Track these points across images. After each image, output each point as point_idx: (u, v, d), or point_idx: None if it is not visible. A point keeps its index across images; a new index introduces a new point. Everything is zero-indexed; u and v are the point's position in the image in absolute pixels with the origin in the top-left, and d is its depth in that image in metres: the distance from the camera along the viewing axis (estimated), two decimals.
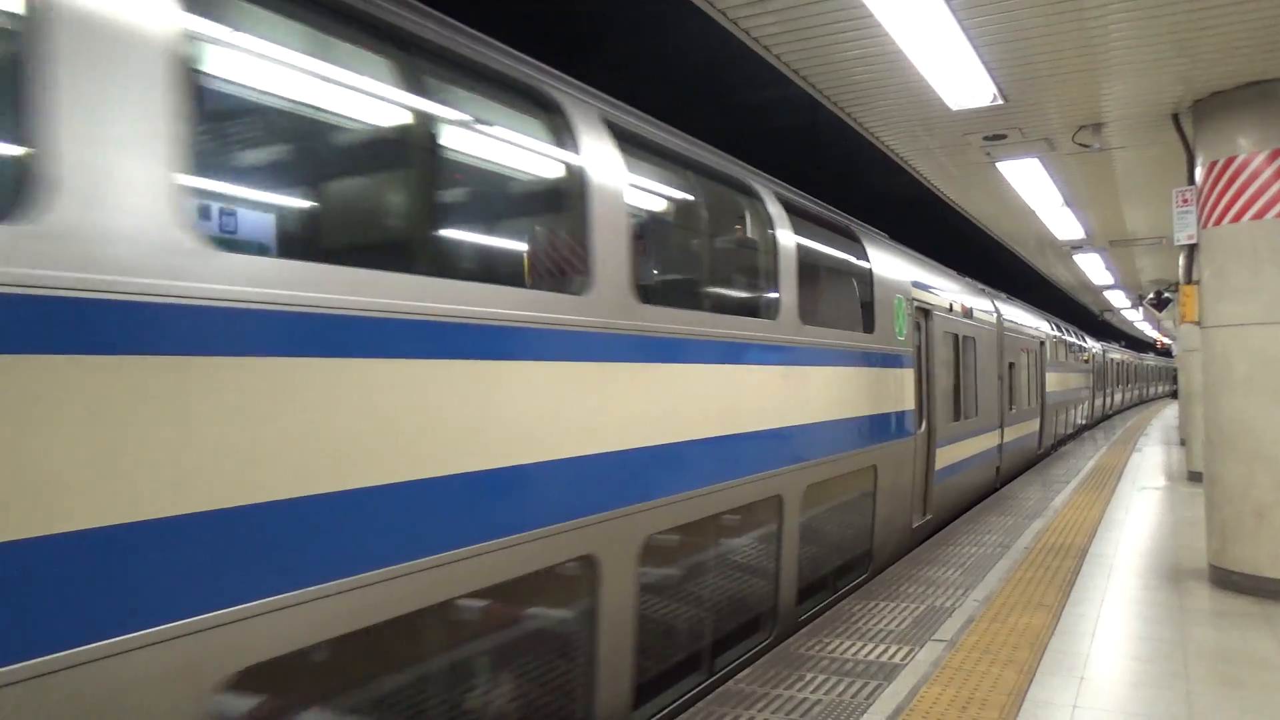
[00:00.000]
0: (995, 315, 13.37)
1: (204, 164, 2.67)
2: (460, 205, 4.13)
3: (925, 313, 9.59)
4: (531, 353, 3.73)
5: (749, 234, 6.34)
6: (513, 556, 3.59)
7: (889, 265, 8.65)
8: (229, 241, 2.91)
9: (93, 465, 2.20)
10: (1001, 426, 13.40)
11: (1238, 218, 6.79)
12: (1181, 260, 7.58)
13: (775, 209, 6.39)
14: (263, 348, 2.63)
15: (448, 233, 3.98)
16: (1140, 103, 7.26)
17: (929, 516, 9.68)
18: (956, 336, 10.89)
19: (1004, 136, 8.18)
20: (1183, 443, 17.17)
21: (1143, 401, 52.52)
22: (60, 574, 2.14)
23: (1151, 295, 18.10)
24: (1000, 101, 7.00)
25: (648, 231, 5.07)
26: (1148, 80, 6.71)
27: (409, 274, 3.20)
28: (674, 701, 5.01)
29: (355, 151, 3.61)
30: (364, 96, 3.49)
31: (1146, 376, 56.69)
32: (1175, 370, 26.55)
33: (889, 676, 5.13)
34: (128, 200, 2.32)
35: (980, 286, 13.40)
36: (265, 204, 3.20)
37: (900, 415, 8.53)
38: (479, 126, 4.14)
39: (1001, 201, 11.33)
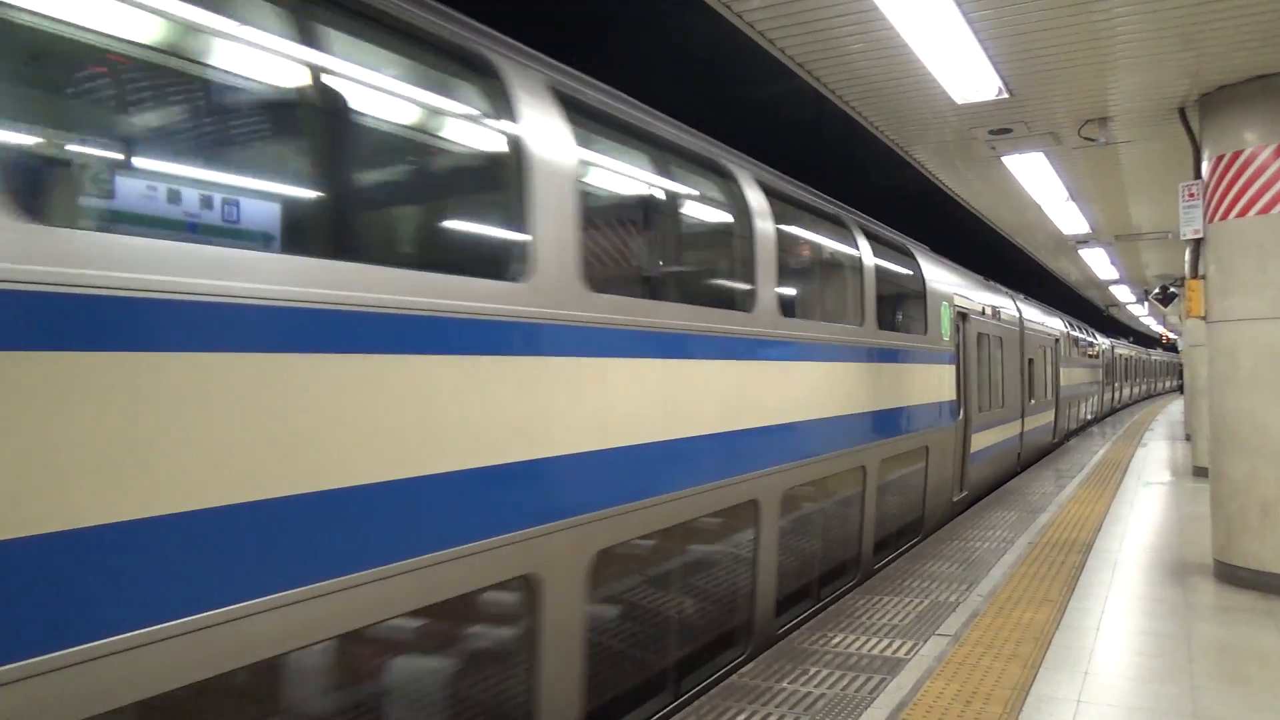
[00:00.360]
0: (1018, 315, 14.57)
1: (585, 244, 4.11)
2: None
3: (963, 316, 10.93)
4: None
5: (851, 259, 7.90)
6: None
7: (937, 277, 10.15)
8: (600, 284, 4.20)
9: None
10: (1022, 417, 14.58)
11: (1244, 212, 6.76)
12: (1187, 255, 7.55)
13: (861, 239, 7.98)
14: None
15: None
16: (1146, 96, 7.22)
17: (965, 493, 11.06)
18: (987, 336, 12.16)
19: (1009, 130, 8.15)
20: (1188, 438, 17.13)
21: (1150, 396, 53.61)
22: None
23: (1157, 290, 18.05)
24: (1005, 95, 6.97)
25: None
26: (1154, 74, 6.68)
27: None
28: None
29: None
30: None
31: (1154, 372, 57.70)
32: (1181, 365, 26.49)
33: (893, 671, 5.13)
34: (560, 269, 3.90)
35: (1004, 289, 14.56)
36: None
37: (947, 405, 9.96)
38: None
39: (1007, 196, 11.30)
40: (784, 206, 6.51)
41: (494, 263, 3.73)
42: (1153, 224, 13.46)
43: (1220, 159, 6.91)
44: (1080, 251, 16.62)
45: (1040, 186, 10.60)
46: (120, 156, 2.67)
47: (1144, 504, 11.01)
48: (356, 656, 3.17)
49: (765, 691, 4.87)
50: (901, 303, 9.17)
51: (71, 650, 2.18)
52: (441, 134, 3.97)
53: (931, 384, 9.50)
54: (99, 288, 2.26)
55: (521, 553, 3.60)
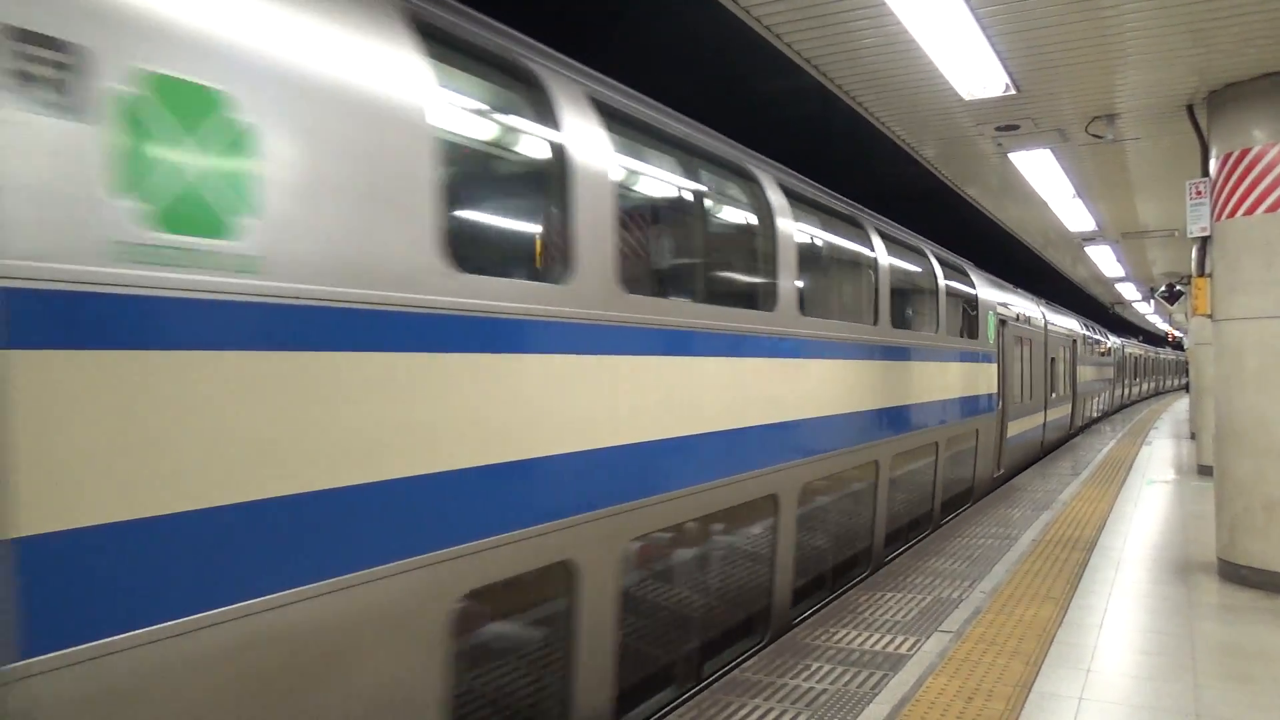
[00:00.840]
0: (1043, 320, 16.42)
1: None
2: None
3: (1003, 322, 12.74)
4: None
5: (929, 280, 9.75)
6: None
7: (985, 290, 12.03)
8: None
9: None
10: (1045, 408, 16.47)
11: (1251, 210, 6.74)
12: (1194, 253, 7.53)
13: (938, 267, 9.89)
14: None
15: None
16: (1154, 94, 7.20)
17: (1002, 470, 12.95)
18: (1019, 339, 14.08)
19: (1016, 127, 8.12)
20: (1193, 436, 17.10)
21: (1158, 393, 54.74)
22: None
23: (1163, 288, 18.00)
24: (1013, 92, 6.96)
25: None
26: (1162, 71, 6.65)
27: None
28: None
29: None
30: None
31: (1162, 370, 58.74)
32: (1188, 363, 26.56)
33: (895, 667, 5.14)
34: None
35: (1032, 296, 16.46)
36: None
37: (990, 396, 11.83)
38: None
39: (1013, 192, 11.27)
40: (894, 245, 8.60)
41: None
42: (1160, 222, 13.42)
43: (1228, 156, 6.89)
44: (1086, 249, 16.57)
45: (1047, 183, 10.57)
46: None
47: (1148, 502, 11.00)
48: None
49: (768, 686, 4.88)
50: (963, 314, 11.10)
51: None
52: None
53: (981, 379, 11.39)
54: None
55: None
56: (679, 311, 4.84)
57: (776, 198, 6.01)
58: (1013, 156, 9.22)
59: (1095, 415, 25.45)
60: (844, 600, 6.62)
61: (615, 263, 4.18)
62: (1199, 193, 7.29)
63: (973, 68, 6.47)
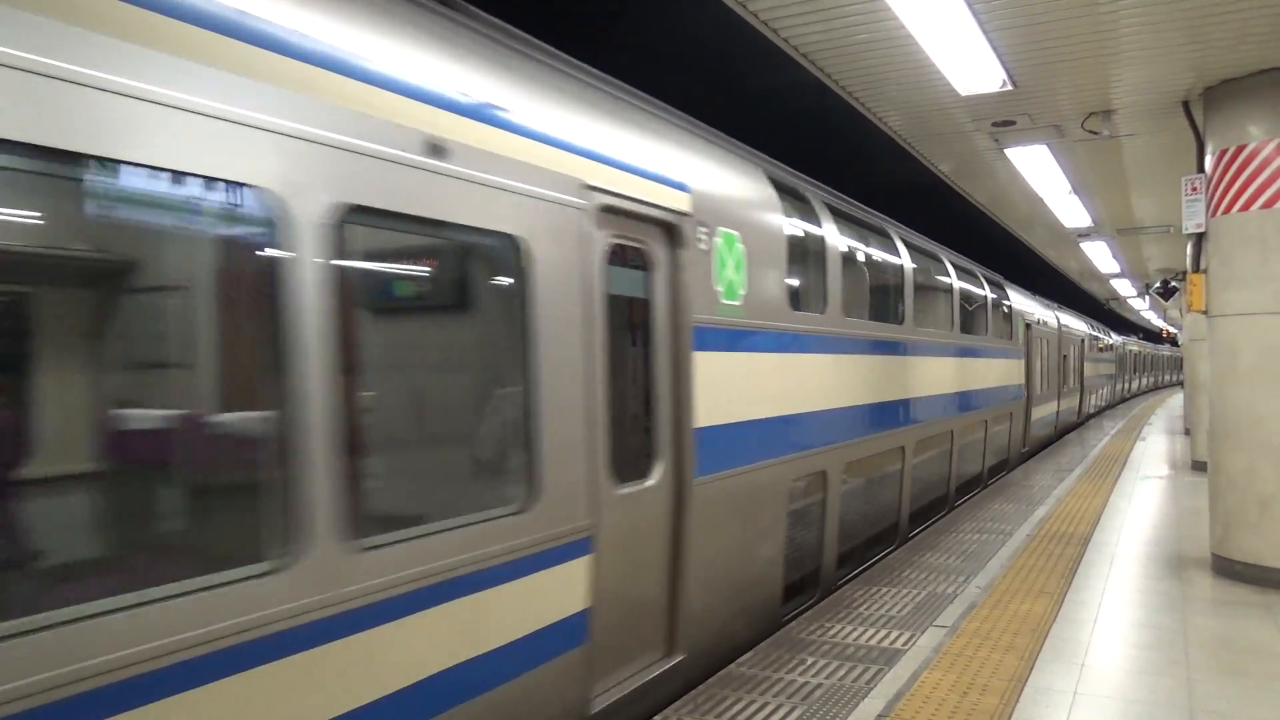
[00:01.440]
0: (1057, 321, 19.36)
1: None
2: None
3: (1028, 325, 15.64)
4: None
5: (983, 297, 12.58)
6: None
7: (1017, 300, 15.02)
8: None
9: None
10: (1059, 398, 19.46)
11: (1247, 206, 6.76)
12: (1189, 249, 7.54)
13: (986, 285, 12.73)
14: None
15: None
16: (1151, 89, 7.21)
17: (1026, 448, 15.97)
18: (1039, 339, 16.71)
19: (1013, 123, 8.13)
20: (1187, 432, 17.15)
21: (1157, 387, 57.68)
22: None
23: (1159, 284, 18.04)
24: (1010, 87, 6.95)
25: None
26: (1159, 67, 6.66)
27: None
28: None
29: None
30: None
31: (1161, 365, 61.46)
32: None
33: (890, 661, 5.15)
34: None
35: (1048, 302, 19.63)
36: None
37: (1020, 386, 14.79)
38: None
39: (1009, 188, 11.28)
40: (962, 273, 11.59)
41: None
42: (1155, 218, 13.44)
43: (1224, 153, 6.90)
44: (1082, 244, 16.60)
45: (1043, 179, 10.58)
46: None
47: (1142, 498, 11.04)
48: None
49: (763, 681, 4.89)
50: (1005, 321, 13.96)
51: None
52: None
53: (1014, 373, 14.29)
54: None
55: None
56: (875, 329, 8.10)
57: (911, 253, 9.35)
58: (1009, 152, 9.22)
59: (1100, 405, 28.91)
60: (839, 595, 6.64)
61: (840, 300, 7.12)
62: (1194, 189, 7.30)
63: (969, 63, 6.46)
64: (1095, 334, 27.24)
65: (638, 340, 4.79)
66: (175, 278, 2.84)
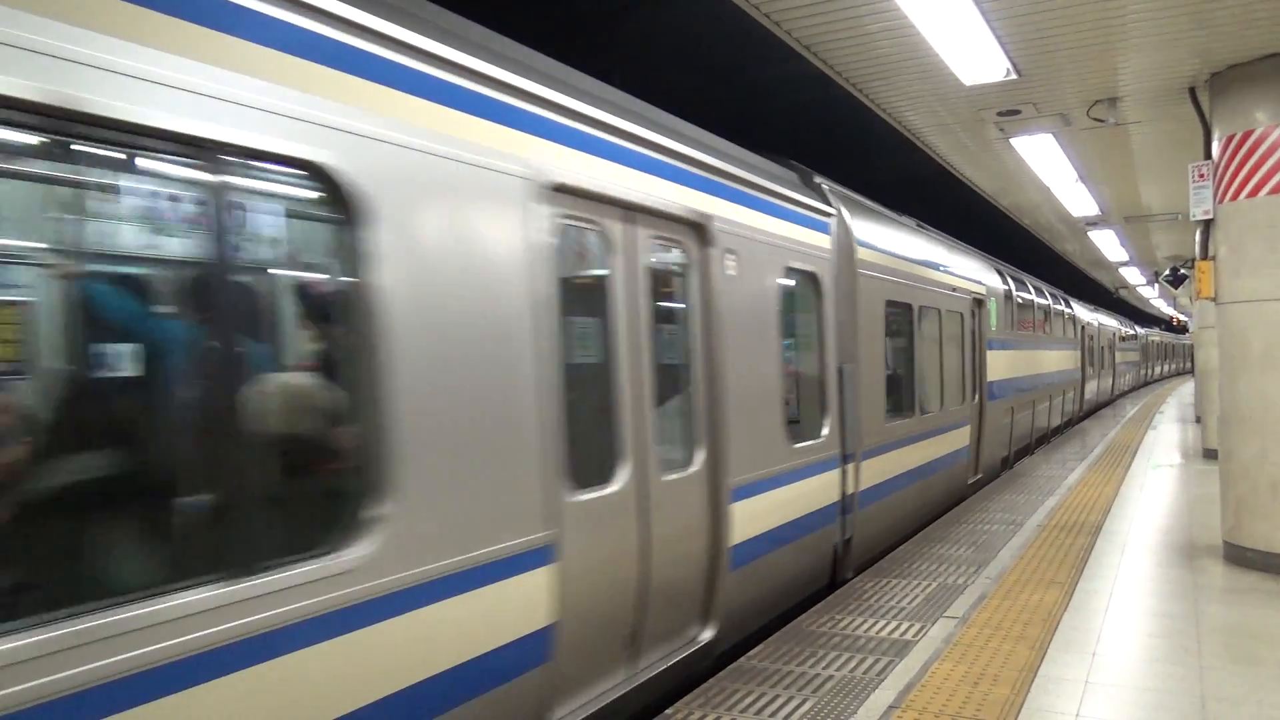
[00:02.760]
0: (1097, 322, 25.57)
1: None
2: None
3: (1082, 327, 21.95)
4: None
5: (1066, 314, 20.04)
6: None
7: (1077, 309, 21.39)
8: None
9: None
10: (1099, 379, 25.77)
11: (1255, 192, 6.72)
12: (1197, 236, 7.50)
13: (1061, 303, 19.27)
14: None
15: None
16: (1156, 76, 7.17)
17: (1081, 410, 22.15)
18: (1088, 335, 23.14)
19: (1018, 112, 8.09)
20: (1198, 420, 17.08)
21: (1178, 373, 61.75)
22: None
23: (1167, 272, 17.95)
24: (1014, 76, 6.93)
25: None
26: (1164, 53, 6.62)
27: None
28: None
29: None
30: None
31: (1179, 354, 66.53)
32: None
33: (901, 653, 5.15)
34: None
35: (1093, 307, 27.02)
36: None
37: (1077, 369, 21.05)
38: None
39: (1015, 178, 11.24)
40: (1050, 299, 17.95)
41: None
42: (1163, 205, 13.38)
43: (1230, 139, 6.86)
44: (1090, 233, 16.54)
45: (1049, 168, 10.54)
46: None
47: (1153, 486, 11.00)
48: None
49: (774, 674, 4.90)
50: (1069, 325, 20.15)
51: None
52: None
53: (1073, 360, 20.56)
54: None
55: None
56: (1031, 339, 15.58)
57: (1038, 293, 16.34)
58: (1015, 142, 9.19)
59: (1126, 388, 35.75)
60: (849, 588, 6.64)
61: (1015, 324, 14.09)
62: (1202, 175, 7.26)
63: (973, 53, 6.44)
64: (1124, 329, 34.87)
65: (966, 344, 11.06)
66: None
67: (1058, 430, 18.32)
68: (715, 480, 5.21)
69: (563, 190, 4.04)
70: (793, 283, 6.51)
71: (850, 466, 7.07)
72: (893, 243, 8.45)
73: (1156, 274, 21.72)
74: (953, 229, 12.10)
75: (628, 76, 5.04)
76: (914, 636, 5.45)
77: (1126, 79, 7.23)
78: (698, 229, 5.18)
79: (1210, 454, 12.61)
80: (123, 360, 2.72)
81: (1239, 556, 6.94)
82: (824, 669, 4.95)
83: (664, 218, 4.86)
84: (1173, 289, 19.50)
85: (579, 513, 4.06)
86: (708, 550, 5.18)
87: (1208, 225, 7.31)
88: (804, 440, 6.41)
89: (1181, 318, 35.21)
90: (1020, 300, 14.44)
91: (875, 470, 7.57)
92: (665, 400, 4.95)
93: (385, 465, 3.04)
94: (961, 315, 10.71)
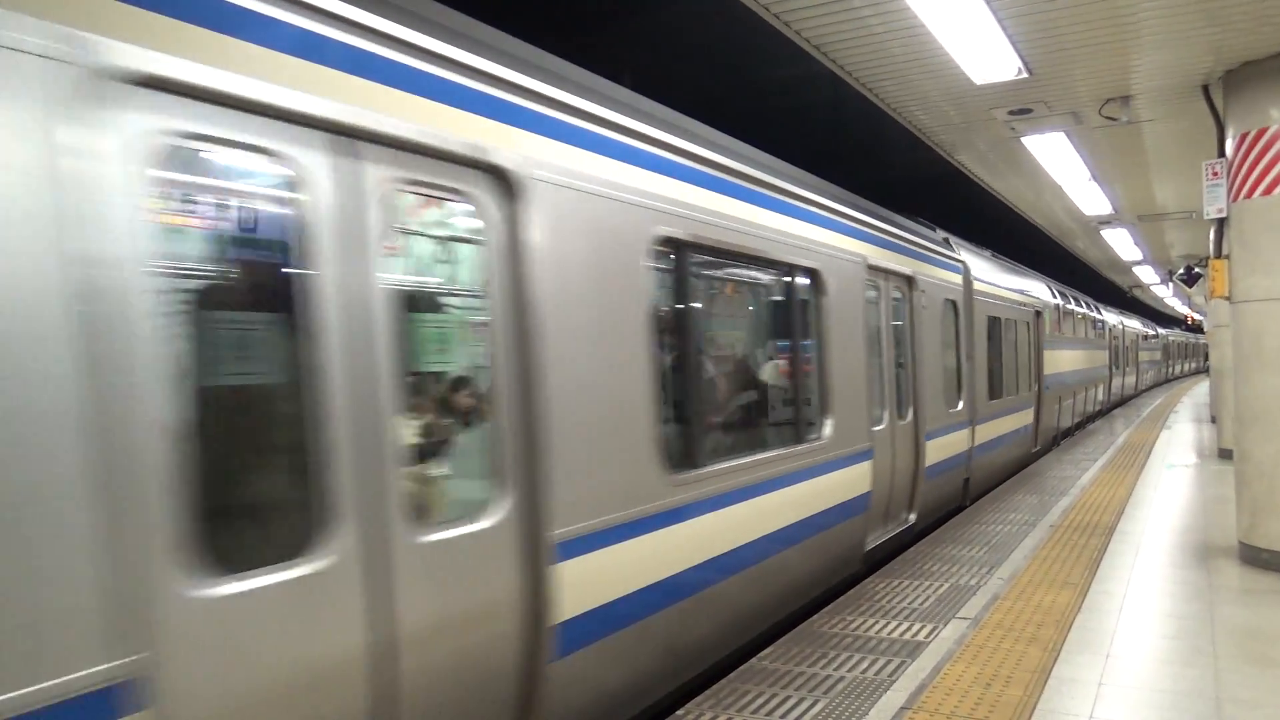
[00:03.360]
0: (1123, 325, 28.62)
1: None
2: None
3: (1109, 329, 24.50)
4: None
5: (1097, 321, 23.10)
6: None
7: (1105, 315, 24.36)
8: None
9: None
10: (1124, 375, 28.77)
11: (1269, 190, 6.66)
12: (1211, 234, 7.45)
13: (1096, 311, 23.01)
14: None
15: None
16: (1170, 74, 7.12)
17: (1110, 400, 25.26)
18: (1120, 338, 27.03)
19: (1029, 111, 8.06)
20: (1213, 420, 16.95)
21: (1198, 371, 63.73)
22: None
23: (1181, 270, 17.82)
24: (1025, 75, 6.89)
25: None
26: (1177, 51, 6.58)
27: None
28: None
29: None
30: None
31: (1198, 353, 69.48)
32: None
33: (913, 654, 5.14)
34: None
35: (1119, 311, 30.29)
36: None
37: (1106, 365, 23.89)
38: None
39: (1027, 177, 11.18)
40: (1085, 307, 21.07)
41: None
42: (1177, 203, 13.28)
43: (1244, 136, 6.81)
44: (1103, 232, 16.43)
45: (1061, 167, 10.48)
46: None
47: (1168, 487, 10.92)
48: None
49: (785, 675, 4.89)
50: (1103, 330, 23.42)
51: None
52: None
53: (1102, 358, 23.22)
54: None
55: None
56: (1075, 343, 19.20)
57: (1079, 303, 20.09)
58: (1026, 140, 9.14)
59: (1149, 384, 39.20)
60: (860, 588, 6.62)
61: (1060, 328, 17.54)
62: (1215, 174, 7.21)
63: (983, 51, 6.41)
64: (1147, 330, 38.69)
65: (1031, 346, 14.13)
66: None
67: (1091, 418, 21.85)
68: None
69: (874, 268, 7.57)
70: (947, 309, 9.89)
71: (972, 428, 10.40)
72: (988, 274, 11.94)
73: (1170, 273, 21.62)
74: (963, 227, 12.04)
75: (637, 76, 5.02)
76: (926, 637, 5.43)
77: (1139, 77, 7.19)
78: (909, 280, 8.61)
79: (1225, 454, 12.52)
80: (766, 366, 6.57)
81: (1255, 558, 6.89)
82: (835, 670, 4.94)
83: (898, 276, 8.26)
84: (1187, 288, 19.32)
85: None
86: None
87: (1221, 224, 7.25)
88: (953, 408, 9.87)
89: (1196, 317, 34.98)
90: (1064, 310, 17.82)
91: (983, 432, 10.87)
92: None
93: (826, 402, 6.52)
94: (1028, 324, 13.95)
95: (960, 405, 10.08)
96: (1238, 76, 6.93)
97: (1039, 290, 15.37)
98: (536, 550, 3.64)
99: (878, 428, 7.53)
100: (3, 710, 2.04)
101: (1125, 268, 23.59)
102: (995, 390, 11.71)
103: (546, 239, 3.73)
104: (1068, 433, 18.27)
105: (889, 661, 5.04)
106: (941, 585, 6.63)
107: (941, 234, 10.78)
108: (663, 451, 4.47)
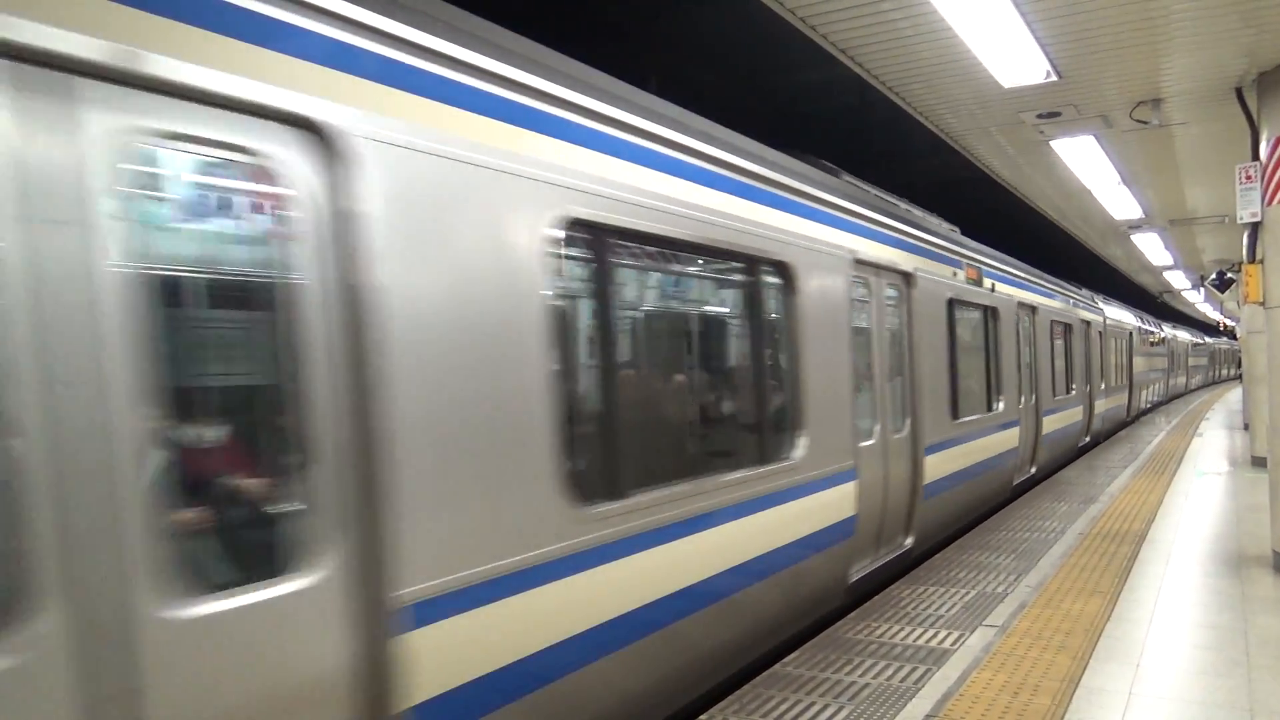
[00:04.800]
0: (1174, 338, 33.22)
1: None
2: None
3: (1164, 341, 29.66)
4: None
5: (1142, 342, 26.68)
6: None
7: (1165, 329, 30.92)
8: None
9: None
10: (1176, 377, 34.24)
11: None
12: (1245, 239, 7.34)
13: (1166, 329, 31.20)
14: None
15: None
16: (1202, 76, 7.03)
17: (1168, 396, 32.27)
18: (1171, 349, 32.16)
19: (1058, 114, 7.99)
20: (1246, 427, 16.67)
21: (1239, 376, 65.37)
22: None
23: (1214, 276, 17.56)
24: (1054, 78, 6.84)
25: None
26: (1211, 53, 6.50)
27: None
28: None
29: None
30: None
31: (1237, 359, 73.63)
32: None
33: (939, 661, 5.10)
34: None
35: (1173, 324, 35.89)
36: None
37: (1166, 370, 31.71)
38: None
39: (1056, 181, 11.09)
40: (1120, 314, 22.47)
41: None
42: (1209, 208, 13.11)
43: (1279, 140, 6.70)
44: (1133, 237, 16.25)
45: (1091, 171, 10.38)
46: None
47: (1200, 494, 10.76)
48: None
49: (809, 681, 4.87)
50: (1163, 342, 29.56)
51: None
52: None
53: (1161, 362, 29.56)
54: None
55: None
56: (1148, 352, 25.90)
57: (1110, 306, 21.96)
58: (1055, 144, 9.07)
59: (1196, 385, 44.65)
60: (886, 594, 6.58)
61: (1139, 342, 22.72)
62: (1249, 177, 7.10)
63: (1011, 55, 6.37)
64: (1194, 339, 44.61)
65: (1124, 354, 21.21)
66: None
67: (1155, 406, 28.24)
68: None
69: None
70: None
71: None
72: (1116, 315, 19.35)
73: (1202, 278, 21.37)
74: (992, 234, 11.95)
75: (663, 81, 5.02)
76: (952, 645, 5.38)
77: (1170, 80, 7.11)
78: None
79: (1259, 461, 12.30)
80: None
81: None
82: (860, 676, 4.91)
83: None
84: (1219, 293, 19.05)
85: None
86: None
87: (1255, 228, 7.14)
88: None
89: (1228, 323, 34.55)
90: (1143, 330, 24.25)
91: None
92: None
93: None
94: (1127, 338, 20.80)
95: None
96: (1272, 79, 6.83)
97: (1129, 318, 22.71)
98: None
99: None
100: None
101: (1156, 271, 23.31)
102: (1105, 381, 18.18)
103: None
104: (1144, 412, 25.34)
105: (914, 669, 5.00)
106: (968, 592, 6.57)
107: (1088, 292, 16.75)
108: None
